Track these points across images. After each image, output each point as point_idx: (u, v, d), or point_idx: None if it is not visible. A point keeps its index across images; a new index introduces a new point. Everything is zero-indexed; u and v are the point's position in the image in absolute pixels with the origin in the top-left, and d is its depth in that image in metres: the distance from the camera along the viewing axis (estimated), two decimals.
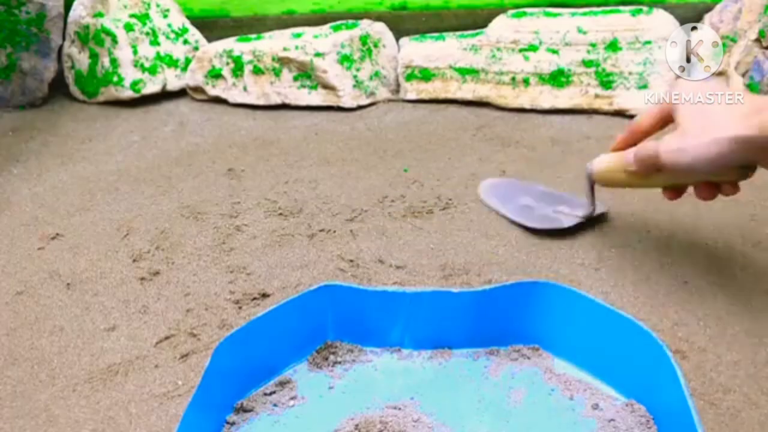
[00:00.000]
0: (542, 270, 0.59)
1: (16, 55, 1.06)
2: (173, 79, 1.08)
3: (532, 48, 0.93)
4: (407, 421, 0.43)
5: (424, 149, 0.85)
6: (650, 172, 0.51)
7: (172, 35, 1.10)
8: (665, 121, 0.51)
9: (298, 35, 1.02)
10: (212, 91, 1.06)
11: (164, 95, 1.09)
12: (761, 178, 0.71)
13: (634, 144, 0.54)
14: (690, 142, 0.46)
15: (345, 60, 0.99)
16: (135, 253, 0.66)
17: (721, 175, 0.48)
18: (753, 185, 0.70)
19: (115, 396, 0.48)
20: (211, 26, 1.15)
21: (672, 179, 0.51)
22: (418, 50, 1.00)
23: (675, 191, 0.53)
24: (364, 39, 1.02)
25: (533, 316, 0.49)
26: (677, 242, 0.62)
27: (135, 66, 1.05)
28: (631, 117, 0.89)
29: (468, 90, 0.98)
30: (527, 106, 0.94)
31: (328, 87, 0.99)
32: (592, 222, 0.65)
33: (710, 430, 0.42)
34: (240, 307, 0.57)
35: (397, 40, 1.06)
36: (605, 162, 0.57)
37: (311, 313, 0.49)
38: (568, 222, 0.64)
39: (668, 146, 0.47)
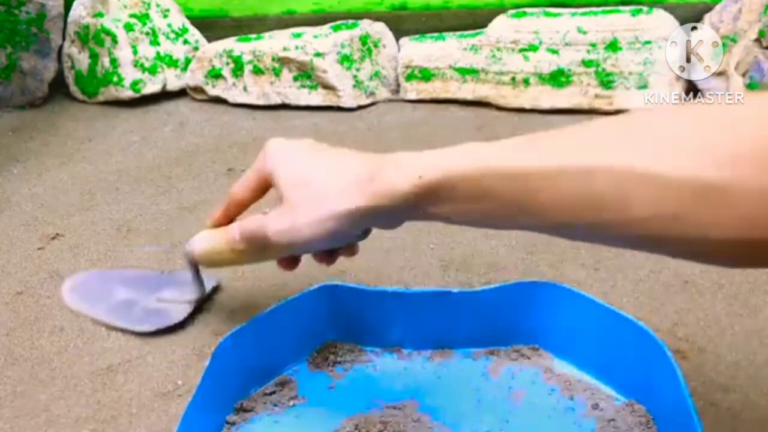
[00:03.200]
0: (542, 270, 0.59)
1: (16, 55, 1.06)
2: (173, 79, 1.09)
3: (532, 48, 0.93)
4: (407, 421, 0.43)
5: (424, 149, 0.84)
6: (262, 251, 0.44)
7: (172, 35, 1.10)
8: (264, 188, 0.45)
9: (298, 35, 1.02)
10: (212, 91, 1.06)
11: (164, 95, 1.09)
12: None
13: (235, 216, 0.48)
14: (302, 219, 0.40)
15: (345, 60, 0.99)
16: (135, 253, 0.66)
17: (340, 244, 0.44)
18: None
19: (115, 396, 0.48)
20: (211, 26, 1.15)
21: (287, 253, 0.45)
22: (418, 50, 1.00)
23: (290, 262, 0.47)
24: (364, 39, 1.02)
25: (533, 316, 0.49)
26: None
27: (135, 66, 1.05)
28: None
29: (468, 90, 0.98)
30: (527, 106, 0.94)
31: (328, 87, 0.99)
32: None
33: (710, 430, 0.42)
34: (240, 307, 0.56)
35: (397, 40, 1.06)
36: (207, 241, 0.48)
37: (311, 313, 0.49)
38: (179, 314, 0.54)
39: (277, 225, 0.41)
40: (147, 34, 1.07)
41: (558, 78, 0.92)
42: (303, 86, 1.00)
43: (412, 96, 1.01)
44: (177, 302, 0.55)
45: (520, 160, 0.34)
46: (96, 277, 0.61)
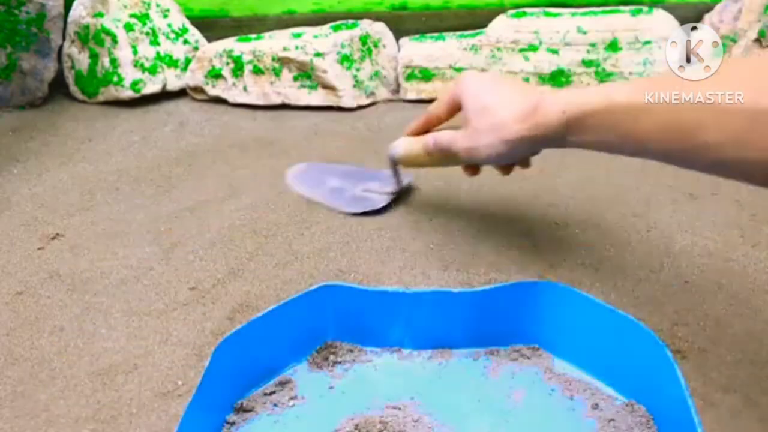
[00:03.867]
0: (542, 270, 0.59)
1: (16, 55, 1.06)
2: (173, 79, 1.09)
3: (532, 48, 0.93)
4: (407, 421, 0.43)
5: None
6: (448, 159, 0.57)
7: (172, 35, 1.10)
8: (455, 110, 0.56)
9: (298, 35, 1.02)
10: (212, 91, 1.06)
11: (164, 95, 1.09)
12: None
13: (429, 129, 0.61)
14: (482, 141, 0.51)
15: (345, 60, 0.99)
16: (135, 253, 0.66)
17: (514, 161, 0.56)
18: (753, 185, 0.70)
19: (115, 396, 0.48)
20: (211, 26, 1.15)
21: (468, 164, 0.59)
22: (418, 50, 1.00)
23: (473, 169, 0.60)
24: (364, 39, 1.02)
25: (533, 316, 0.49)
26: (677, 242, 0.62)
27: (135, 66, 1.05)
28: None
29: None
30: None
31: (328, 87, 0.99)
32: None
33: (710, 430, 0.42)
34: (240, 307, 0.57)
35: (397, 40, 1.06)
36: (407, 146, 0.62)
37: (311, 313, 0.49)
38: (380, 202, 0.68)
39: (463, 144, 0.53)
40: (147, 34, 1.07)
41: (558, 78, 0.92)
42: (303, 86, 1.00)
43: (412, 96, 1.01)
44: (378, 193, 0.69)
45: (633, 97, 0.42)
46: (312, 169, 0.76)
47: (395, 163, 0.65)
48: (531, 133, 0.48)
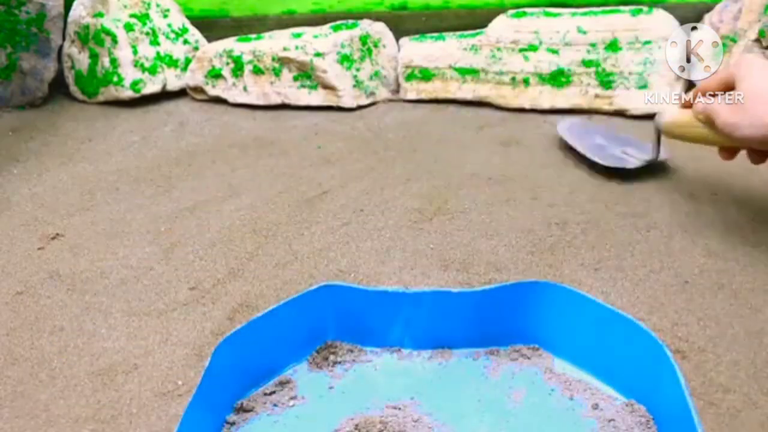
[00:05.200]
0: (542, 270, 0.59)
1: (16, 55, 1.06)
2: (173, 79, 1.09)
3: (532, 48, 0.93)
4: (407, 421, 0.43)
5: (424, 149, 0.85)
6: (708, 129, 0.57)
7: (172, 35, 1.10)
8: (728, 87, 0.56)
9: (298, 35, 1.02)
10: (212, 91, 1.06)
11: (164, 95, 1.09)
12: (761, 178, 0.71)
13: None
14: (746, 121, 0.52)
15: (345, 60, 0.99)
16: (135, 253, 0.66)
17: None
18: (753, 185, 0.70)
19: (115, 396, 0.48)
20: (211, 26, 1.15)
21: (727, 143, 0.58)
22: (418, 50, 1.00)
23: (730, 153, 0.59)
24: (364, 39, 1.02)
25: (533, 316, 0.49)
26: (677, 242, 0.62)
27: (135, 66, 1.05)
28: (631, 117, 0.90)
29: (468, 90, 0.98)
30: (527, 106, 0.94)
31: (328, 87, 0.99)
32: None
33: (710, 430, 0.42)
34: (240, 307, 0.57)
35: (397, 40, 1.06)
36: (672, 114, 0.63)
37: (311, 313, 0.49)
38: (633, 164, 0.72)
39: (727, 118, 0.54)
40: (147, 34, 1.07)
41: (558, 78, 0.92)
42: (303, 86, 1.00)
43: (412, 96, 1.01)
44: (635, 157, 0.73)
45: None
46: (580, 123, 0.85)
47: (659, 132, 0.66)
48: None
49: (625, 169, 0.72)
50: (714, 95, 0.58)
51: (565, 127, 0.82)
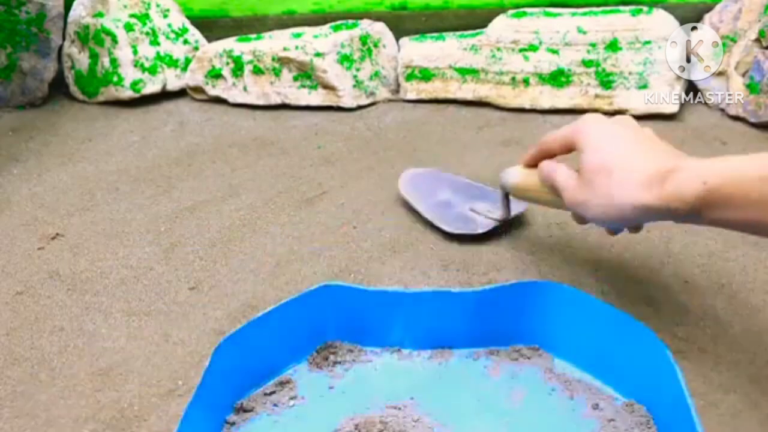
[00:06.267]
0: (542, 270, 0.59)
1: (16, 55, 1.06)
2: (173, 79, 1.08)
3: (532, 48, 0.93)
4: (407, 421, 0.43)
5: (424, 149, 0.85)
6: (555, 202, 0.51)
7: (172, 35, 1.10)
8: (570, 150, 0.50)
9: (298, 35, 1.02)
10: (212, 91, 1.06)
11: (164, 95, 1.09)
12: None
13: (541, 161, 0.53)
14: (593, 200, 0.45)
15: (345, 60, 0.99)
16: (135, 253, 0.66)
17: (623, 228, 0.50)
18: None
19: (115, 396, 0.48)
20: (211, 26, 1.15)
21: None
22: (418, 50, 1.00)
23: (582, 220, 0.52)
24: (364, 39, 1.02)
25: (533, 316, 0.49)
26: (677, 242, 0.62)
27: (135, 66, 1.05)
28: (631, 117, 0.89)
29: (468, 90, 0.98)
30: (527, 106, 0.94)
31: (328, 87, 0.99)
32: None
33: (710, 430, 0.42)
34: (240, 307, 0.57)
35: (397, 40, 1.06)
36: (517, 176, 0.56)
37: (311, 313, 0.49)
38: (483, 227, 0.63)
39: (573, 196, 0.47)
40: (147, 34, 1.07)
41: (558, 78, 0.92)
42: (303, 86, 1.00)
43: (412, 96, 1.01)
44: (485, 216, 0.64)
45: None
46: (427, 175, 0.73)
47: (506, 192, 0.60)
48: (657, 204, 0.41)
49: (471, 235, 0.63)
50: (554, 156, 0.51)
51: (407, 180, 0.71)
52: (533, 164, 0.54)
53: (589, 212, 0.46)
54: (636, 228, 0.50)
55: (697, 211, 0.40)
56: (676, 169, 0.40)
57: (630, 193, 0.42)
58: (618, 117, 0.48)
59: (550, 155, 0.52)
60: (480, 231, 0.63)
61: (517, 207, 0.63)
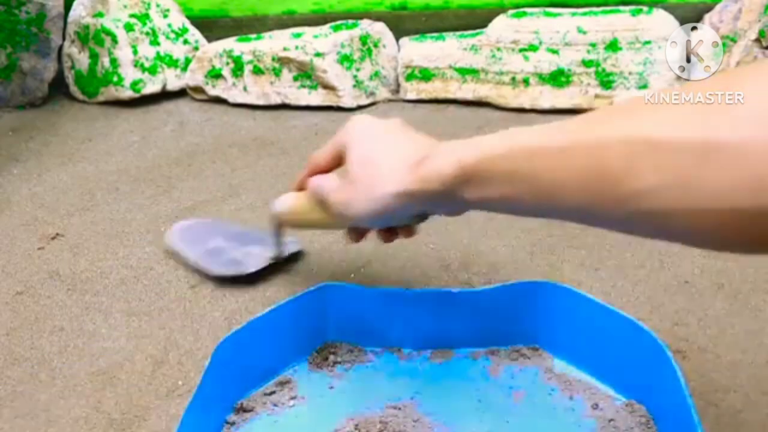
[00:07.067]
0: (542, 270, 0.59)
1: (16, 55, 1.06)
2: (173, 79, 1.09)
3: (532, 48, 0.93)
4: (407, 421, 0.43)
5: None
6: (324, 213, 0.47)
7: (172, 35, 1.10)
8: (340, 159, 0.46)
9: (298, 35, 1.02)
10: (212, 91, 1.06)
11: (164, 95, 1.09)
12: None
13: None
14: (357, 195, 0.42)
15: (345, 60, 0.99)
16: (135, 253, 0.66)
17: (395, 223, 0.46)
18: None
19: (116, 396, 0.48)
20: (211, 26, 1.15)
21: (347, 224, 0.48)
22: (418, 50, 1.00)
23: (356, 234, 0.49)
24: (364, 39, 1.02)
25: (533, 316, 0.49)
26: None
27: (135, 66, 1.05)
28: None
29: (468, 90, 0.98)
30: (527, 106, 0.94)
31: (328, 87, 0.99)
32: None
33: (710, 430, 0.42)
34: (240, 307, 0.57)
35: (397, 40, 1.06)
36: (288, 200, 0.52)
37: (311, 313, 0.49)
38: (254, 266, 0.59)
39: (337, 196, 0.44)
40: (147, 34, 1.07)
41: (558, 78, 0.92)
42: (303, 86, 1.00)
43: (412, 96, 1.01)
44: (258, 257, 0.59)
45: (544, 139, 0.34)
46: (199, 225, 0.68)
47: (278, 223, 0.55)
48: (415, 187, 0.39)
49: (244, 276, 0.59)
50: (325, 170, 0.48)
51: (177, 232, 0.66)
52: (304, 187, 0.50)
53: (353, 210, 0.42)
54: (408, 230, 0.48)
55: (455, 191, 0.38)
56: (434, 152, 0.39)
57: (390, 182, 0.40)
58: (391, 118, 0.46)
59: (320, 171, 0.48)
60: (251, 270, 0.58)
61: (292, 246, 0.61)
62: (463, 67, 0.97)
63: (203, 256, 0.61)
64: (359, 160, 0.43)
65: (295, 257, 0.62)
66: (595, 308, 0.46)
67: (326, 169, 0.48)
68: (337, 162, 0.47)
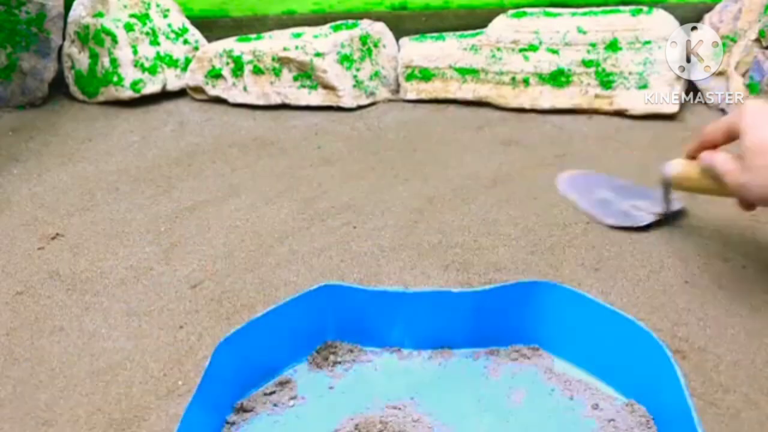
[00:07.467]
0: (542, 270, 0.59)
1: (16, 55, 1.06)
2: (173, 79, 1.08)
3: (532, 48, 0.93)
4: (407, 421, 0.43)
5: (424, 149, 0.85)
6: (717, 186, 0.54)
7: (172, 35, 1.10)
8: (731, 138, 0.52)
9: (298, 35, 1.02)
10: (212, 91, 1.06)
11: (164, 95, 1.09)
12: None
13: (703, 151, 0.56)
14: (754, 181, 0.48)
15: (345, 60, 0.99)
16: (135, 253, 0.66)
17: None
18: None
19: (115, 396, 0.48)
20: (211, 26, 1.15)
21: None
22: (418, 50, 1.00)
23: (748, 205, 0.54)
24: (364, 39, 1.02)
25: (533, 316, 0.49)
26: (677, 242, 0.62)
27: (135, 66, 1.05)
28: (631, 117, 0.89)
29: (468, 90, 0.98)
30: (527, 106, 0.94)
31: (328, 87, 0.99)
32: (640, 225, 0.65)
33: (710, 430, 0.42)
34: (240, 307, 0.57)
35: (397, 40, 1.06)
36: (679, 167, 0.59)
37: (311, 313, 0.49)
38: (645, 220, 0.65)
39: (734, 178, 0.50)
40: (147, 34, 1.07)
41: (558, 78, 0.92)
42: (303, 86, 1.00)
43: (412, 96, 1.01)
44: (645, 211, 0.66)
45: None
46: (583, 176, 0.75)
47: (667, 184, 0.62)
48: None
49: (634, 227, 0.65)
50: (716, 146, 0.54)
51: (564, 181, 0.75)
52: (694, 155, 0.57)
53: (751, 194, 0.49)
54: None
55: None
56: None
57: None
58: None
59: (712, 145, 0.54)
60: (642, 223, 0.65)
61: (676, 204, 0.66)
62: (463, 67, 0.97)
63: (595, 205, 0.69)
64: (756, 147, 0.48)
65: (678, 215, 0.66)
66: (595, 308, 0.46)
67: (717, 144, 0.54)
68: (726, 139, 0.53)
